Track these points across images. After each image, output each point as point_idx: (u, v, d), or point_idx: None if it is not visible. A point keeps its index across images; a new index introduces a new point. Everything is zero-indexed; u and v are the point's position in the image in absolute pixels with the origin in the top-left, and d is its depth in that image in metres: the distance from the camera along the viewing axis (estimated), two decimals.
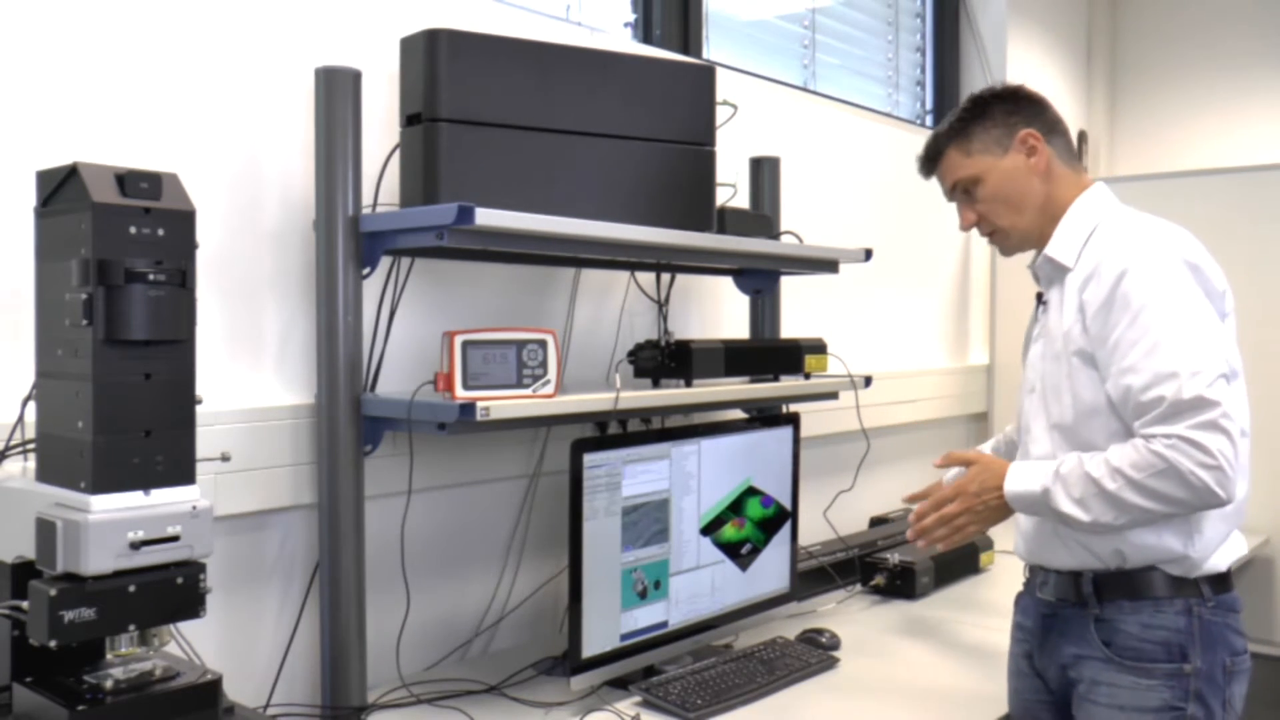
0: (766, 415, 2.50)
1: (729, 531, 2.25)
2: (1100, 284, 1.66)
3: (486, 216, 1.69)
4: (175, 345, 1.32)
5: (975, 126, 1.84)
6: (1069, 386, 1.72)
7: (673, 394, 2.10)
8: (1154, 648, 1.68)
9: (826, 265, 2.51)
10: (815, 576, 2.68)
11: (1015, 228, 1.84)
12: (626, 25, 2.83)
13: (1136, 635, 1.69)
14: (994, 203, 1.83)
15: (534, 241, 1.87)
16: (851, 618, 2.52)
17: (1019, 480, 1.71)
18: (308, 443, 1.89)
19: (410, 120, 1.85)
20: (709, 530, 2.20)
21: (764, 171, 2.65)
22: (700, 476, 2.17)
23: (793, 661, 2.13)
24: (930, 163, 1.91)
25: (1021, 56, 4.26)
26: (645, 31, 2.86)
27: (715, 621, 2.22)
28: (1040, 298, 1.84)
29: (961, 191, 1.87)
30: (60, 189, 1.30)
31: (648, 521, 2.06)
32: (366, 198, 1.87)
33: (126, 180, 1.28)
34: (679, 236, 2.04)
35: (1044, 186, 1.82)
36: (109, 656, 1.37)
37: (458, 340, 1.76)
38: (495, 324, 2.13)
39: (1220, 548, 1.71)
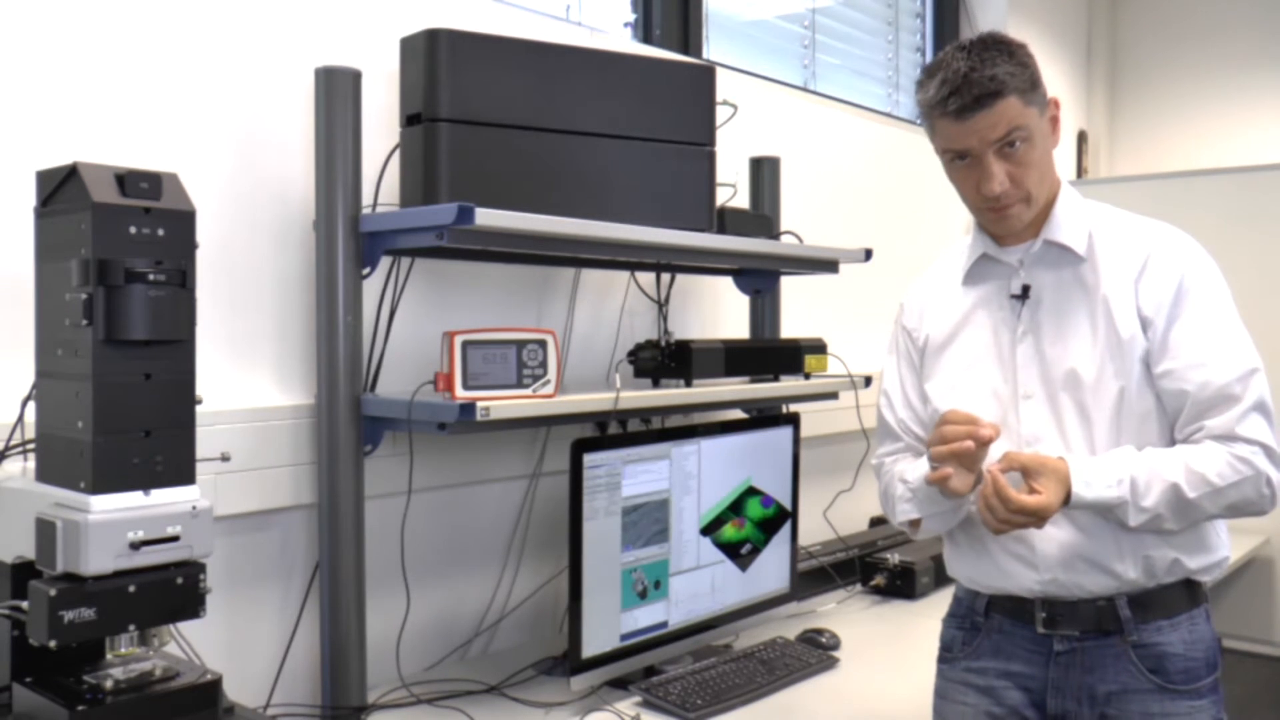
0: (766, 415, 2.50)
1: (729, 531, 2.24)
2: (1161, 278, 1.52)
3: (486, 216, 1.69)
4: (175, 345, 1.32)
5: (1038, 75, 1.53)
6: (1118, 389, 1.52)
7: (673, 394, 2.10)
8: (1198, 664, 1.56)
9: (826, 265, 2.51)
10: (815, 576, 2.68)
11: (1038, 199, 1.56)
12: (626, 25, 2.83)
13: (1184, 655, 1.55)
14: (1031, 167, 1.53)
15: (534, 241, 1.87)
16: (851, 618, 2.52)
17: (1091, 486, 1.46)
18: (308, 443, 1.89)
19: (410, 120, 1.85)
20: (709, 530, 2.20)
21: (764, 171, 2.65)
22: (700, 476, 2.17)
23: (793, 661, 2.13)
24: (989, 100, 1.48)
25: None
26: (645, 31, 2.86)
27: (715, 621, 2.22)
28: (1026, 292, 1.60)
29: (1005, 145, 1.51)
30: (60, 189, 1.30)
31: (648, 521, 2.06)
32: (366, 198, 1.87)
33: (126, 180, 1.27)
34: (679, 236, 2.04)
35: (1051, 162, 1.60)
36: (109, 656, 1.37)
37: (458, 340, 1.76)
38: (495, 324, 2.13)
39: None
